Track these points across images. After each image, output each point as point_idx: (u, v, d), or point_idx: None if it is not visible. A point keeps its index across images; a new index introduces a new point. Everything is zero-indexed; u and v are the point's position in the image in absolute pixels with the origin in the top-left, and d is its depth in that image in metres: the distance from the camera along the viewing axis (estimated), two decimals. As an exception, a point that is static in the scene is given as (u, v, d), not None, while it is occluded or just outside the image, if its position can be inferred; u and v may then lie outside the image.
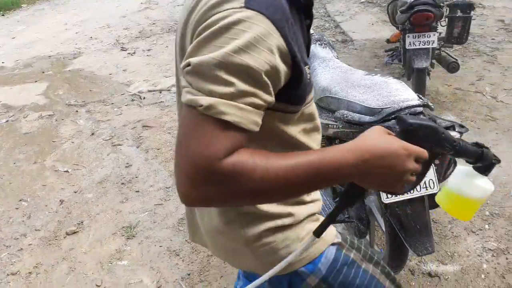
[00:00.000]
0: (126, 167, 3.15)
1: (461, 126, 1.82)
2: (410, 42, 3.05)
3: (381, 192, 1.46)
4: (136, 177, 3.02)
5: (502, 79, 3.78)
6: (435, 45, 3.01)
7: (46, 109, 4.17)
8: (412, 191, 1.45)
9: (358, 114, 1.48)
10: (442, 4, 3.02)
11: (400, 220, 1.47)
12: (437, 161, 1.69)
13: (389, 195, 1.45)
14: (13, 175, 3.16)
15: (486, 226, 2.27)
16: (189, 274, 2.15)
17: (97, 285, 2.15)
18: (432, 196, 1.53)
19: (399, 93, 1.47)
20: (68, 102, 4.28)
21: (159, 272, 2.19)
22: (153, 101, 4.18)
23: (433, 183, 1.47)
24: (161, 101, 4.15)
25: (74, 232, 2.53)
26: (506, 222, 2.28)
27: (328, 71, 1.89)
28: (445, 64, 3.22)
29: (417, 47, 3.03)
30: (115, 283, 2.16)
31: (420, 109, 1.40)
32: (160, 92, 4.35)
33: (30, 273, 2.26)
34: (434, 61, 3.39)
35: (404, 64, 3.46)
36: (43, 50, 5.98)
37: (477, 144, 0.85)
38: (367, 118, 1.44)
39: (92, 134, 3.64)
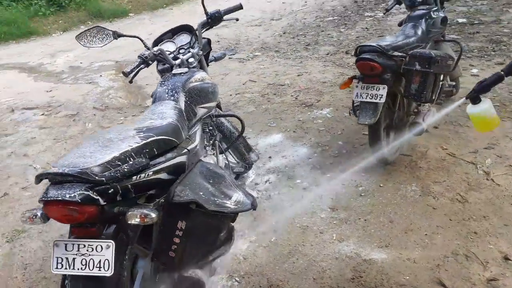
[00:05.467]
0: None
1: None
2: (357, 93, 2.61)
3: None
4: None
5: (514, 153, 2.97)
6: (383, 100, 2.51)
7: None
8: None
9: None
10: (395, 53, 2.51)
11: None
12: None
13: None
14: None
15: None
16: None
17: None
18: None
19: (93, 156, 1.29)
20: None
21: None
22: None
23: (108, 264, 1.25)
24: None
25: None
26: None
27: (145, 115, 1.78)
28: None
29: (364, 99, 2.58)
30: None
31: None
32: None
33: None
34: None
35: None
36: (114, 57, 6.54)
37: None
38: None
39: None
